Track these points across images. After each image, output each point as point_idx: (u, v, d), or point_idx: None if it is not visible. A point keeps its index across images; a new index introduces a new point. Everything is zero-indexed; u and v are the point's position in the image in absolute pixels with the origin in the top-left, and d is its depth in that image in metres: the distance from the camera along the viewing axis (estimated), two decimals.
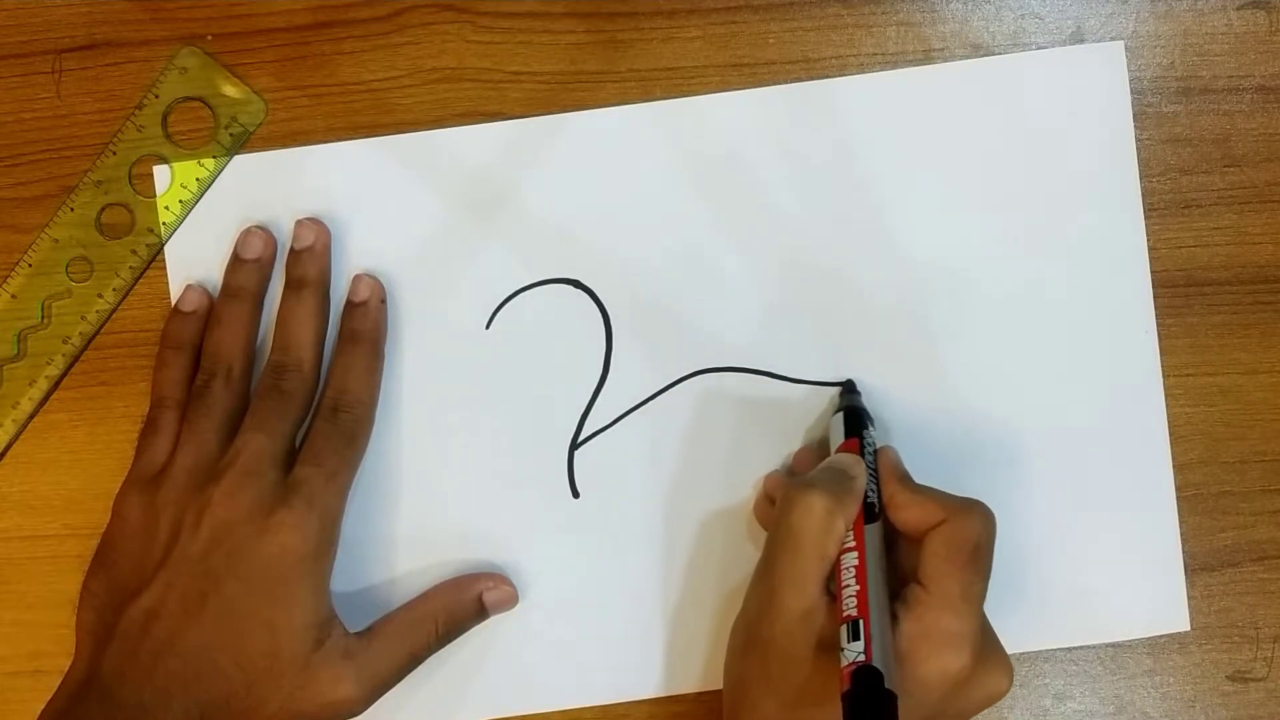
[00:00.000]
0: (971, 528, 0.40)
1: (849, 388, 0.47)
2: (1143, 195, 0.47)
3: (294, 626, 0.42)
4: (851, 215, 0.47)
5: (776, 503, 0.42)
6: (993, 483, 0.46)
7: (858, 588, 0.39)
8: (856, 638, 0.38)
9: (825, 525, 0.40)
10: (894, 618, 0.40)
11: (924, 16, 0.48)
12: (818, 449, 0.47)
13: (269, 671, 0.42)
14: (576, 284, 0.47)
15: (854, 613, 0.39)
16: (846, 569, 0.40)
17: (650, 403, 0.47)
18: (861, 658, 0.37)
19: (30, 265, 0.48)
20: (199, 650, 0.41)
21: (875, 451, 0.44)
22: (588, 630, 0.47)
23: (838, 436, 0.45)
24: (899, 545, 0.42)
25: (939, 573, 0.40)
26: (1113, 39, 0.47)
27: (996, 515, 0.41)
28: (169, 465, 0.44)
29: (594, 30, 0.48)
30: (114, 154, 0.48)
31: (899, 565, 0.42)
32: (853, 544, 0.41)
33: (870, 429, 0.45)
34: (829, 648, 0.39)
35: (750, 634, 0.41)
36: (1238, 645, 0.47)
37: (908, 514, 0.42)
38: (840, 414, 0.45)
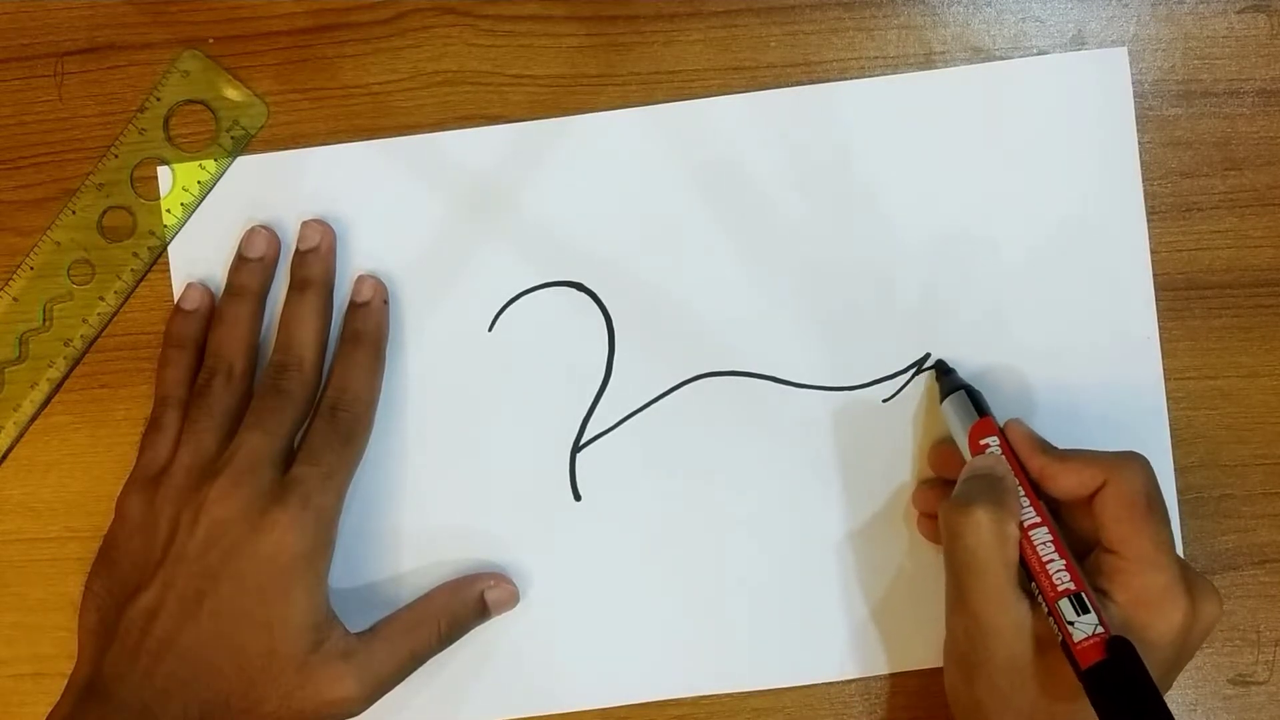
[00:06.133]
0: (1136, 480, 0.40)
1: (943, 368, 0.46)
2: (1143, 199, 0.47)
3: (290, 626, 0.42)
4: (853, 219, 0.47)
5: (941, 528, 0.42)
6: None
7: (1063, 562, 0.39)
8: (1081, 611, 0.38)
9: (999, 535, 0.40)
10: (1097, 590, 0.40)
11: (925, 20, 0.48)
12: (947, 443, 0.45)
13: (267, 671, 0.42)
14: (579, 287, 0.47)
15: (1070, 586, 0.38)
16: (1042, 544, 0.40)
17: (652, 406, 0.47)
18: (1098, 629, 0.37)
19: (32, 268, 0.48)
20: (197, 649, 0.41)
21: (1003, 428, 0.43)
22: (588, 633, 0.47)
23: (962, 419, 0.44)
24: (1062, 510, 0.42)
25: (1126, 535, 0.40)
26: (1114, 42, 0.47)
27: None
28: (170, 464, 0.44)
29: (595, 34, 0.48)
30: (116, 157, 0.48)
31: (1068, 529, 0.42)
32: (1037, 519, 0.40)
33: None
34: (1050, 644, 0.39)
35: (969, 662, 0.40)
36: (1239, 649, 0.47)
37: (1065, 482, 0.41)
38: (952, 399, 0.44)
